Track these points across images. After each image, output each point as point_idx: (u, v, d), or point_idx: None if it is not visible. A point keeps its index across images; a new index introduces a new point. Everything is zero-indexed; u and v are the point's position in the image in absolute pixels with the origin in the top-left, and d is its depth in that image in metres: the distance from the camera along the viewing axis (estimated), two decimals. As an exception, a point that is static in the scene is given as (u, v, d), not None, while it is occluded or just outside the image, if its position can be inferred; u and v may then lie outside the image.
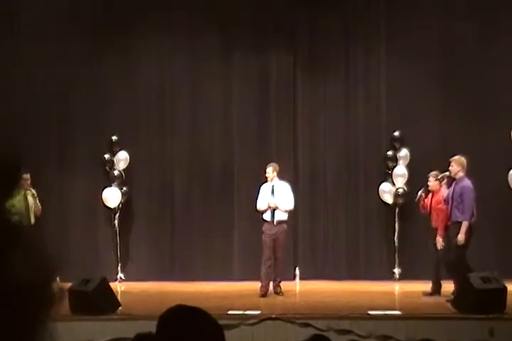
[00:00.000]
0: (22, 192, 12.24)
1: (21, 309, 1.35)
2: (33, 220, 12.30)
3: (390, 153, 13.89)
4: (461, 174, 11.23)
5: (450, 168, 11.27)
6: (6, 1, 13.94)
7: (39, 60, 13.71)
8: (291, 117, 14.27)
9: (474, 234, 11.05)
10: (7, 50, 13.61)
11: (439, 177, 11.46)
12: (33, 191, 12.42)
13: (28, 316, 1.36)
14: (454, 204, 11.08)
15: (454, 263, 10.85)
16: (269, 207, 11.77)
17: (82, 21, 13.87)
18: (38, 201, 12.44)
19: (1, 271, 1.35)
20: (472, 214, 11.03)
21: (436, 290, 11.54)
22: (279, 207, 11.78)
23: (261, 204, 11.90)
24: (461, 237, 10.87)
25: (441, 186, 11.59)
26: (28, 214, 12.22)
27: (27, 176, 12.22)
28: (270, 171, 11.89)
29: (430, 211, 11.63)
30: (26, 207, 12.23)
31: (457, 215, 11.04)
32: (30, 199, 12.34)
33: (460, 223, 10.96)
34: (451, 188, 11.27)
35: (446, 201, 11.28)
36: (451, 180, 11.39)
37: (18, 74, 13.67)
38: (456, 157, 11.33)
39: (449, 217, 11.20)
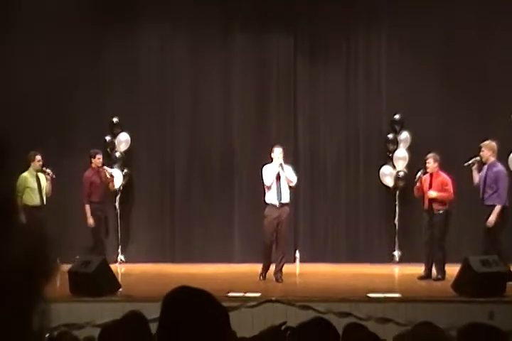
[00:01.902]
0: (34, 173, 12.26)
1: (16, 285, 1.34)
2: (45, 200, 12.35)
3: (390, 136, 13.88)
4: (492, 159, 11.30)
5: (481, 152, 11.33)
6: None
7: (40, 44, 13.68)
8: (291, 102, 14.26)
9: (510, 217, 11.15)
10: (7, 36, 13.58)
11: (470, 162, 11.42)
12: (48, 171, 12.41)
13: (23, 292, 1.35)
14: (487, 188, 11.15)
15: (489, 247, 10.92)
16: (277, 177, 11.54)
17: (84, 8, 13.83)
18: (50, 182, 12.45)
19: None
20: (505, 199, 11.14)
21: (430, 271, 11.60)
22: (289, 177, 11.59)
23: (269, 179, 11.56)
24: (491, 219, 11.03)
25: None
26: (40, 194, 12.27)
27: (39, 157, 12.28)
28: (281, 152, 11.66)
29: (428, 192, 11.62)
30: (39, 188, 12.26)
31: (492, 199, 11.12)
32: (43, 179, 12.37)
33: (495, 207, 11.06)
34: (483, 173, 11.34)
35: (477, 185, 11.35)
36: (481, 165, 11.43)
37: (19, 57, 13.62)
38: (486, 142, 11.38)
39: (481, 200, 11.24)
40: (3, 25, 13.60)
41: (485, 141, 11.43)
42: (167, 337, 2.35)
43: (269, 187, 11.62)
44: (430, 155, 11.71)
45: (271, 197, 11.63)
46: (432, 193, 11.51)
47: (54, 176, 12.42)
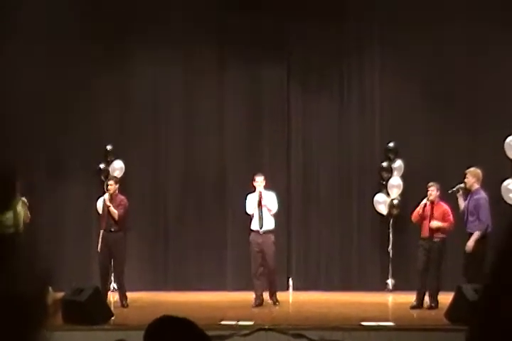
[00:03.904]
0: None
1: (17, 320, 1.35)
2: (21, 228, 12.28)
3: (384, 164, 13.91)
4: (476, 186, 11.30)
5: (465, 179, 11.32)
6: (5, 3, 13.93)
7: (35, 69, 13.68)
8: (284, 129, 14.31)
9: (490, 245, 11.09)
10: (2, 58, 13.66)
11: (454, 189, 11.43)
12: (23, 199, 12.39)
13: (23, 327, 1.36)
14: (470, 216, 11.14)
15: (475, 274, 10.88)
16: (258, 205, 11.81)
17: (81, 32, 13.87)
18: (27, 209, 12.42)
19: None
20: (488, 225, 11.10)
21: (422, 300, 11.58)
22: (267, 205, 11.83)
23: (250, 207, 11.93)
24: (470, 245, 11.02)
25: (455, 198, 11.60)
26: (16, 222, 12.20)
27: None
28: (262, 180, 11.95)
29: (430, 221, 11.61)
30: (15, 216, 12.21)
31: (473, 227, 11.11)
32: (19, 207, 12.32)
33: None
34: (467, 200, 11.30)
35: (462, 213, 11.34)
36: (467, 192, 11.42)
37: (13, 83, 13.65)
38: (471, 169, 11.38)
39: (465, 227, 11.24)
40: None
41: (470, 167, 11.46)
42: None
43: (251, 215, 11.91)
44: (432, 183, 11.72)
45: (254, 224, 11.94)
46: (436, 223, 11.52)
47: (27, 204, 12.41)
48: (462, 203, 11.41)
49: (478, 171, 11.34)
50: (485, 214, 11.12)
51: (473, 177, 11.32)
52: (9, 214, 11.97)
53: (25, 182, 12.20)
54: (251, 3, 14.13)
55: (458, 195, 11.46)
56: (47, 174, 13.79)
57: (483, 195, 11.26)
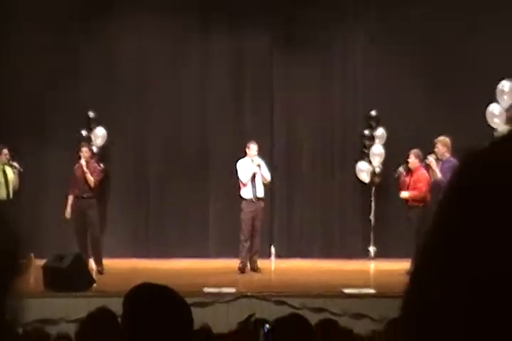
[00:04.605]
0: (0, 167, 12.18)
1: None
2: (11, 194, 12.22)
3: (366, 132, 13.91)
4: (447, 155, 11.22)
5: (435, 149, 11.24)
6: None
7: (17, 35, 13.59)
8: (267, 97, 14.26)
9: None
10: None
11: (426, 160, 11.39)
12: (15, 164, 12.34)
13: None
14: (442, 185, 11.03)
15: None
16: (254, 174, 11.91)
17: (61, 1, 13.75)
18: (17, 175, 12.37)
19: None
20: None
21: None
22: (264, 174, 12.01)
23: (247, 176, 11.92)
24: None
25: (420, 166, 11.60)
26: (7, 188, 12.14)
27: (5, 151, 12.18)
28: (257, 149, 12.06)
29: (408, 188, 11.62)
30: (5, 182, 12.15)
31: None
32: (9, 173, 12.26)
33: None
34: (439, 169, 11.21)
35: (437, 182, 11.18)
36: (437, 162, 11.36)
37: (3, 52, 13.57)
38: (441, 138, 11.30)
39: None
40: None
41: (440, 136, 11.39)
42: (129, 333, 2.34)
43: (245, 184, 11.88)
44: (413, 151, 11.68)
45: (247, 193, 11.97)
46: (404, 194, 11.55)
47: (21, 170, 12.37)
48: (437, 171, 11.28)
49: (448, 140, 11.27)
50: None
51: (443, 146, 11.25)
52: None
53: (9, 149, 12.20)
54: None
55: (429, 162, 11.35)
56: (28, 140, 13.68)
57: (455, 162, 11.05)
